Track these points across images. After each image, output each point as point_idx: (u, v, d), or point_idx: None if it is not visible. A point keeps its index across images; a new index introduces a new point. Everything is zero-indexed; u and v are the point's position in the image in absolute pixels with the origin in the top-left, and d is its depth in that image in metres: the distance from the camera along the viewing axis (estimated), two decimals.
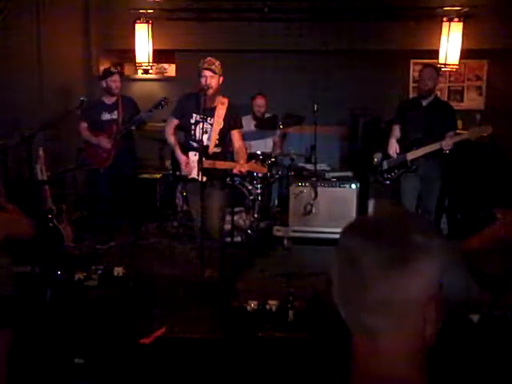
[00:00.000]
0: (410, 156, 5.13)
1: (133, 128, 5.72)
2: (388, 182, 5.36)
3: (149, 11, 7.09)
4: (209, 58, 4.30)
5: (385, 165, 5.36)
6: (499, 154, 6.16)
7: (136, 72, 7.49)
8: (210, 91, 4.27)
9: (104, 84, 5.65)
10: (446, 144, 4.89)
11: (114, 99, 5.69)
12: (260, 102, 6.44)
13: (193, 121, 4.41)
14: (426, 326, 0.99)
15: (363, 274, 0.98)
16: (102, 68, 7.56)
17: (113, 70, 5.65)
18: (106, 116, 5.67)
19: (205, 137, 4.35)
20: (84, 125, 5.72)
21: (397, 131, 5.33)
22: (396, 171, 5.26)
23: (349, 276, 1.01)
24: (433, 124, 5.06)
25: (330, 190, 5.81)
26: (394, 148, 5.27)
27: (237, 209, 5.72)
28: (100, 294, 4.53)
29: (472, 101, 7.39)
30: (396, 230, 1.00)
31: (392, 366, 1.00)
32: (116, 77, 5.63)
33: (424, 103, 5.16)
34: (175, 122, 4.56)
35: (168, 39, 7.25)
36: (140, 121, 5.62)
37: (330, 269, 1.06)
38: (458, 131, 5.29)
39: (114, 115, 5.66)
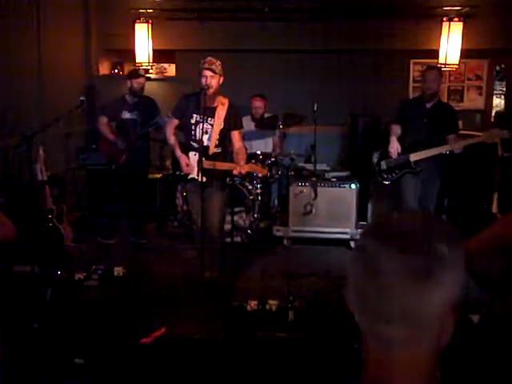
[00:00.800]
0: (415, 157, 5.09)
1: (149, 130, 5.77)
2: (387, 183, 5.30)
3: (149, 11, 7.09)
4: (209, 58, 4.30)
5: (383, 165, 5.30)
6: (498, 153, 6.16)
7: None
8: (211, 91, 4.27)
9: (128, 83, 5.72)
10: (455, 146, 4.90)
11: (136, 99, 5.73)
12: (257, 103, 6.42)
13: (193, 121, 4.41)
14: (443, 335, 0.97)
15: (384, 283, 0.94)
16: (101, 68, 7.63)
17: (140, 72, 5.71)
18: (126, 115, 5.71)
19: (205, 137, 4.34)
20: (104, 120, 5.76)
21: (397, 130, 5.25)
22: (397, 172, 5.21)
23: (368, 283, 0.96)
24: (436, 126, 5.04)
25: (330, 189, 5.81)
26: (395, 147, 5.17)
27: (237, 209, 5.72)
28: (100, 293, 4.53)
29: (472, 101, 7.39)
30: (420, 237, 0.95)
31: (406, 374, 0.97)
32: (141, 79, 5.71)
33: (428, 105, 5.12)
34: (176, 122, 4.56)
35: (168, 39, 7.26)
36: (156, 125, 5.64)
37: (347, 272, 1.03)
38: (460, 132, 5.29)
39: (134, 115, 5.70)
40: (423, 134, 5.09)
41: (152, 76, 7.64)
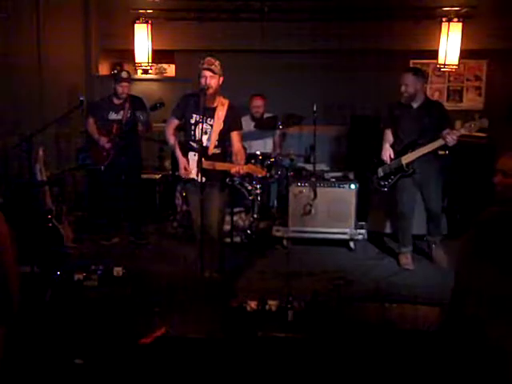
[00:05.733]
0: (405, 160, 5.11)
1: (139, 128, 5.77)
2: (386, 189, 5.32)
3: (148, 11, 7.09)
4: (208, 58, 4.29)
5: (380, 172, 5.33)
6: (497, 154, 6.16)
7: (135, 72, 7.50)
8: (210, 91, 4.27)
9: (113, 86, 5.70)
10: (451, 139, 4.83)
11: (121, 100, 5.73)
12: (257, 102, 6.42)
13: (193, 121, 4.41)
14: None
15: None
16: (101, 68, 7.63)
17: (123, 75, 5.65)
18: (112, 115, 5.72)
19: (204, 137, 4.34)
20: (91, 120, 5.80)
21: (389, 136, 5.31)
22: (393, 177, 5.24)
23: None
24: (426, 125, 5.03)
25: (330, 190, 5.81)
26: (387, 154, 5.26)
27: (236, 209, 5.72)
28: (100, 294, 4.53)
29: (471, 101, 7.40)
30: None
31: None
32: (124, 83, 5.65)
33: (415, 105, 5.12)
34: (175, 122, 4.55)
35: (167, 39, 7.26)
36: (137, 120, 5.64)
37: None
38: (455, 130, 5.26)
39: (120, 115, 5.70)
40: (415, 134, 5.09)
41: (151, 76, 7.65)
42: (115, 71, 5.84)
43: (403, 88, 5.06)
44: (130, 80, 5.76)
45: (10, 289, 2.77)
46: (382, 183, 5.32)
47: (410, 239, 5.41)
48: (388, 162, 5.25)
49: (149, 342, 3.61)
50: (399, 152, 5.19)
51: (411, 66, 7.31)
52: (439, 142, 4.93)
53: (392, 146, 5.27)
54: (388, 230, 6.14)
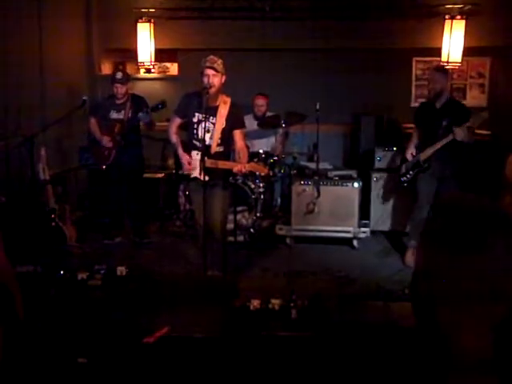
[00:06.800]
0: (423, 156, 5.24)
1: (141, 128, 5.81)
2: (406, 185, 5.47)
3: (150, 10, 7.08)
4: (211, 57, 4.29)
5: (403, 169, 5.48)
6: (502, 151, 6.13)
7: (138, 71, 7.49)
8: (213, 90, 4.26)
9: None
10: (458, 134, 4.92)
11: (123, 99, 5.72)
12: (260, 101, 6.43)
13: (195, 120, 4.41)
14: None
15: None
16: (103, 67, 7.63)
17: (117, 76, 5.64)
18: (113, 115, 5.73)
19: (207, 136, 4.34)
20: (93, 120, 5.82)
21: (415, 137, 5.47)
22: (411, 172, 5.38)
23: None
24: (447, 124, 5.12)
25: (333, 188, 5.80)
26: (409, 152, 5.43)
27: (239, 208, 5.71)
28: (103, 293, 4.53)
29: (475, 98, 7.37)
30: None
31: None
32: (117, 84, 5.64)
33: (438, 105, 5.24)
34: (178, 120, 4.55)
35: (170, 38, 7.25)
36: (139, 120, 5.64)
37: None
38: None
39: (121, 115, 5.70)
40: (436, 134, 5.18)
41: (154, 75, 7.65)
42: (111, 73, 5.82)
43: (430, 85, 5.24)
44: (126, 80, 5.73)
45: (9, 288, 2.75)
46: (402, 179, 5.47)
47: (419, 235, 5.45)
48: (409, 159, 5.42)
49: (152, 341, 3.61)
50: (421, 149, 5.32)
51: (414, 63, 7.32)
52: (449, 138, 5.01)
53: (418, 145, 5.41)
54: (391, 227, 6.13)
